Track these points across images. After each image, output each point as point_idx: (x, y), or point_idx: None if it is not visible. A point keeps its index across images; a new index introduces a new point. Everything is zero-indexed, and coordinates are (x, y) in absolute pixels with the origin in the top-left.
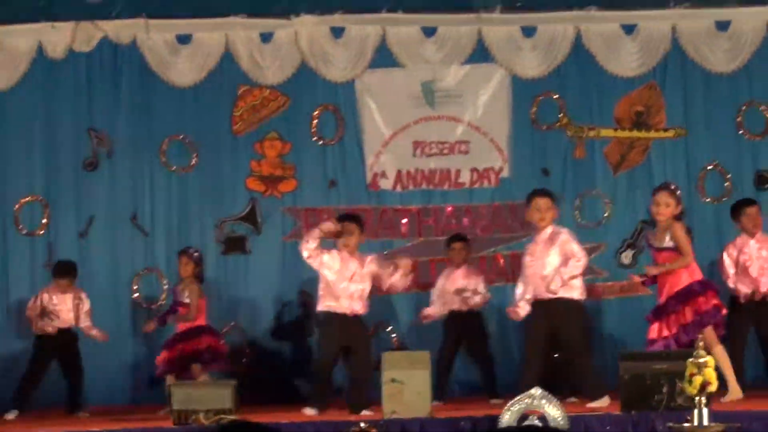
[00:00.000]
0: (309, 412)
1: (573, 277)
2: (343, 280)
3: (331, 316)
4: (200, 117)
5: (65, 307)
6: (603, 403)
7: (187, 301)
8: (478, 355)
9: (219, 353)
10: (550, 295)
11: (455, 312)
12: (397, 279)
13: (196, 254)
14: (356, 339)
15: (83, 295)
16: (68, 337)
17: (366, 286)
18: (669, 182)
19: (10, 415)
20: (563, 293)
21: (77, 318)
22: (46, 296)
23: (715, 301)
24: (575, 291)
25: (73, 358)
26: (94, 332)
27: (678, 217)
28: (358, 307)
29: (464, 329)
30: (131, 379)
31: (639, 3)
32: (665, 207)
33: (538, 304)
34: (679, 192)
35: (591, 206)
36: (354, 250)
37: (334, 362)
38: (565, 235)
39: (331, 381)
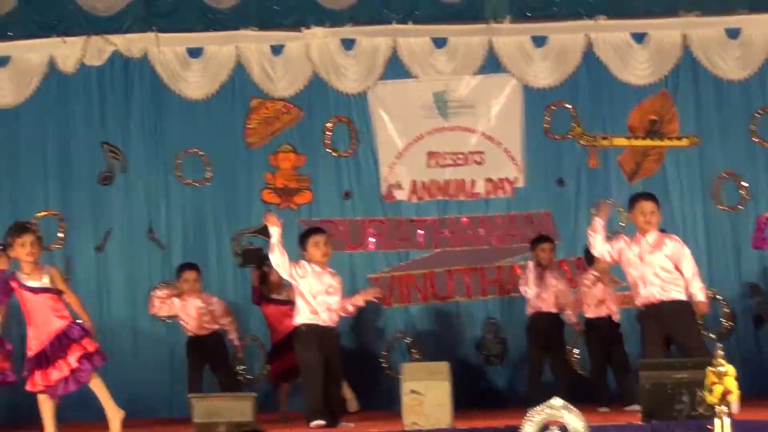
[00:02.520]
0: (317, 423)
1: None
2: (320, 293)
3: (311, 329)
4: (213, 130)
5: (193, 314)
6: None
7: None
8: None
9: None
10: (664, 298)
11: (543, 314)
12: (355, 299)
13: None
14: (333, 351)
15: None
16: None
17: (339, 299)
18: None
19: None
20: (677, 296)
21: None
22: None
23: None
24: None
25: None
26: (233, 336)
27: None
28: (335, 319)
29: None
30: (149, 392)
31: (649, 11)
32: None
33: (652, 307)
34: None
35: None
36: (324, 263)
37: (321, 367)
38: (677, 241)
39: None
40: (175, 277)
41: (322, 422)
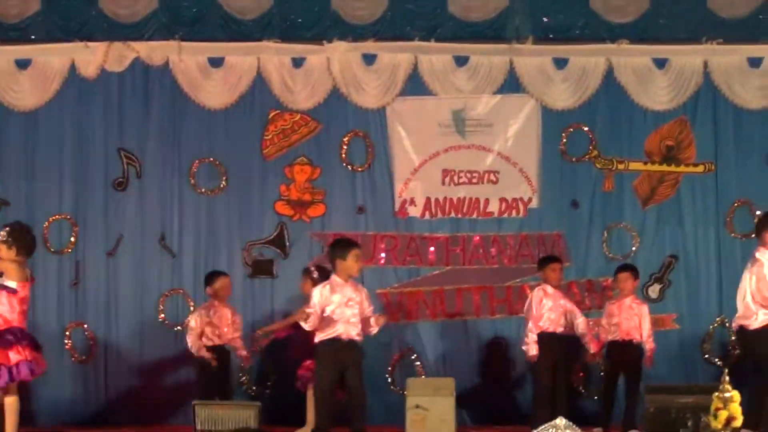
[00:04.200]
0: None
1: None
2: (339, 306)
3: (327, 343)
4: (230, 140)
5: (225, 322)
6: None
7: None
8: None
9: None
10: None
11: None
12: (369, 329)
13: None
14: (349, 365)
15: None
16: (225, 354)
17: (359, 311)
18: None
19: None
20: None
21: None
22: (204, 312)
23: None
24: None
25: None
26: (244, 352)
27: None
28: (354, 332)
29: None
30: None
31: (671, 37)
32: None
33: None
34: None
35: (619, 239)
36: (347, 277)
37: (334, 386)
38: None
39: (332, 406)
40: (205, 285)
41: None
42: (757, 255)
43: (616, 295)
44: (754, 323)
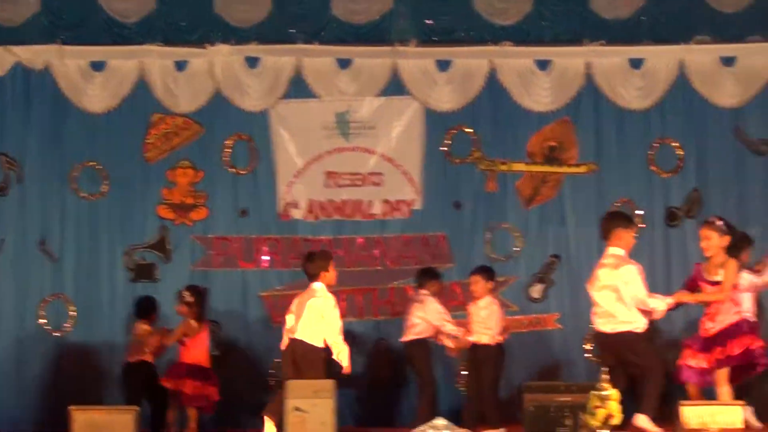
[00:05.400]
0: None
1: None
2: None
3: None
4: (112, 144)
5: None
6: None
7: None
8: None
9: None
10: None
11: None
12: None
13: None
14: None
15: None
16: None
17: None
18: (712, 217)
19: None
20: None
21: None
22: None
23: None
24: None
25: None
26: None
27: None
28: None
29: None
30: (34, 405)
31: (553, 39)
32: (707, 241)
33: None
34: (720, 223)
35: (502, 240)
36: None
37: None
38: None
39: None
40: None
41: None
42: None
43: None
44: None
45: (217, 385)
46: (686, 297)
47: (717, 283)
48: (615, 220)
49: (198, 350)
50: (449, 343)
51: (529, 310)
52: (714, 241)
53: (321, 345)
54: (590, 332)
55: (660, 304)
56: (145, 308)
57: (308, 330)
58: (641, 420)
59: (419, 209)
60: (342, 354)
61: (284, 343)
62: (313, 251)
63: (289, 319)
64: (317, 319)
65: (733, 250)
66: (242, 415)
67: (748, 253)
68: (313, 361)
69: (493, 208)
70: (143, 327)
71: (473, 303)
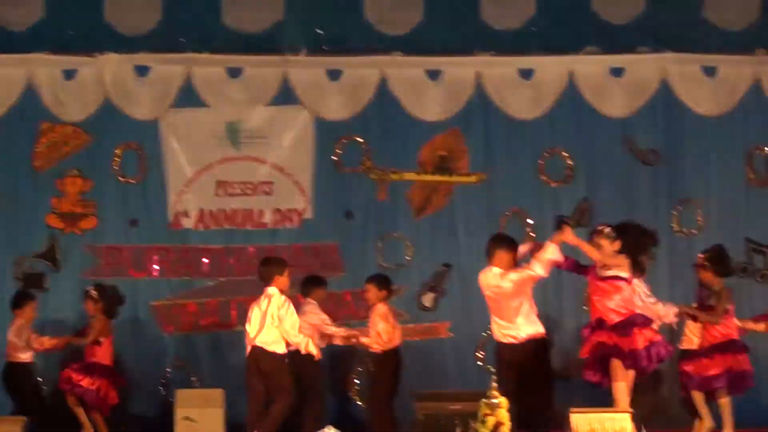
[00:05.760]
0: None
1: None
2: None
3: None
4: (0, 152)
5: None
6: None
7: None
8: None
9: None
10: None
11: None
12: None
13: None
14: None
15: None
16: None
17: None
18: (599, 225)
19: None
20: None
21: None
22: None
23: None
24: None
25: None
26: None
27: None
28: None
29: None
30: None
31: (444, 49)
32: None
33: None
34: (608, 230)
35: (393, 249)
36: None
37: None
38: None
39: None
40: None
41: None
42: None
43: None
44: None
45: (118, 388)
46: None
47: (610, 278)
48: (497, 242)
49: (110, 350)
50: (365, 340)
51: (421, 318)
52: (606, 249)
53: (282, 351)
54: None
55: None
56: (18, 301)
57: (267, 337)
58: None
59: (310, 218)
60: (308, 346)
61: (247, 352)
62: (268, 257)
63: (249, 328)
64: (274, 325)
65: (635, 250)
66: (130, 422)
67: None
68: (276, 368)
69: (384, 217)
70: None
71: (371, 311)
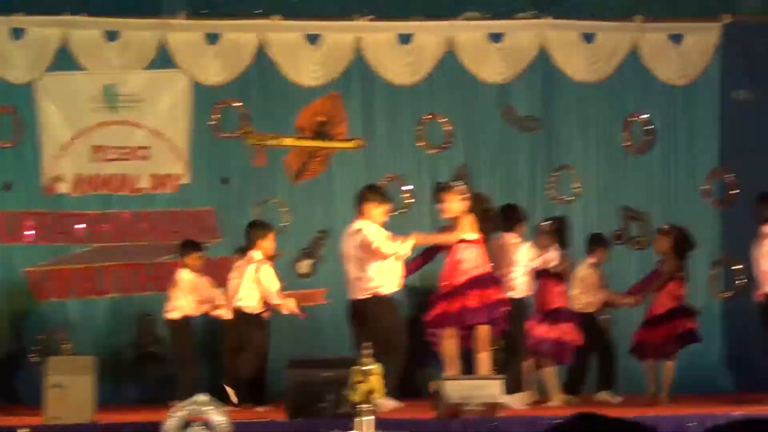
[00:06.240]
0: None
1: None
2: None
3: None
4: None
5: None
6: None
7: None
8: None
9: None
10: None
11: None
12: None
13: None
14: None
15: None
16: None
17: None
18: (452, 182)
19: None
20: None
21: None
22: None
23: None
24: None
25: None
26: None
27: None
28: None
29: None
30: None
31: (324, 13)
32: (447, 203)
33: None
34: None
35: (270, 215)
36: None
37: None
38: None
39: None
40: None
41: None
42: None
43: None
44: None
45: None
46: (421, 237)
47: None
48: (366, 195)
49: None
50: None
51: (297, 285)
52: (455, 205)
53: (259, 311)
54: None
55: (399, 247)
56: None
57: (247, 298)
58: None
59: (187, 184)
60: (289, 305)
61: (227, 314)
62: (254, 220)
63: (231, 287)
64: (255, 286)
65: (505, 223)
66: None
67: (523, 227)
68: (254, 329)
69: (261, 183)
70: None
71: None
